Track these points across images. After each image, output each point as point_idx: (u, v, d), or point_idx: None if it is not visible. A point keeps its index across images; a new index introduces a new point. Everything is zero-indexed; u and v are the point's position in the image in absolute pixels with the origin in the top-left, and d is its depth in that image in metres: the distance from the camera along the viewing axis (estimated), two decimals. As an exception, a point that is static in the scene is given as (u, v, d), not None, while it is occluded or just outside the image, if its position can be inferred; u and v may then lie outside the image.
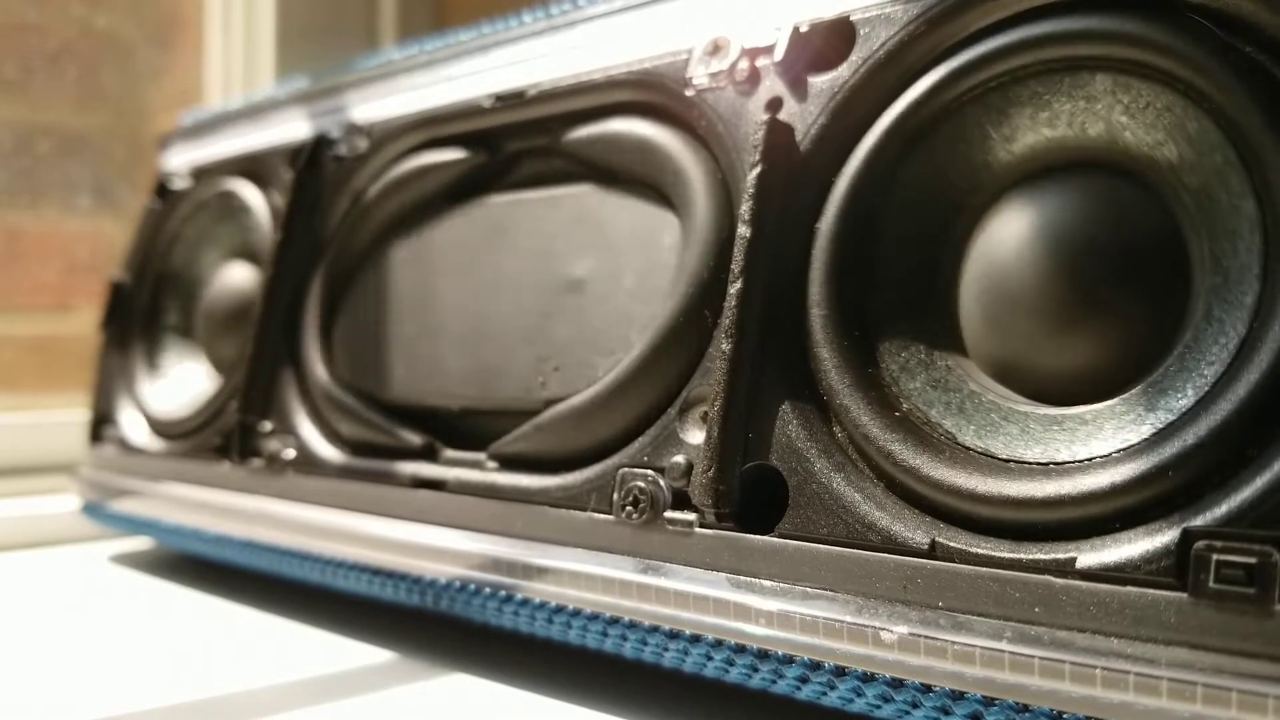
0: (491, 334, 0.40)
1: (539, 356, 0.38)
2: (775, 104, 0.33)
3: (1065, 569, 0.24)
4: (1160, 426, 0.25)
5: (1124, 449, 0.25)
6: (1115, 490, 0.24)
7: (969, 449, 0.28)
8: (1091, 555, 0.24)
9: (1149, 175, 0.27)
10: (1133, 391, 0.26)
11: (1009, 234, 0.29)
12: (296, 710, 0.34)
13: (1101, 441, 0.26)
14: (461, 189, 0.44)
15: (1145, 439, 0.25)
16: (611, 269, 0.37)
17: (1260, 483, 0.22)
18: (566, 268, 0.38)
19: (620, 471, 0.33)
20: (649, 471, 0.32)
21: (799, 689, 0.29)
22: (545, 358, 0.38)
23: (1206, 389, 0.24)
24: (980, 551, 0.26)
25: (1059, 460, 0.26)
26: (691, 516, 0.31)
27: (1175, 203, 0.27)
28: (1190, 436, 0.24)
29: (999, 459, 0.27)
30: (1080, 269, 0.27)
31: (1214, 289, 0.25)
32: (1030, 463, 0.26)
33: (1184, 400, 0.25)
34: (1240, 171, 0.25)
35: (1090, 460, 0.25)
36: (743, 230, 0.31)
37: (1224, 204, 0.25)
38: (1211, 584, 0.22)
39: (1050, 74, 0.28)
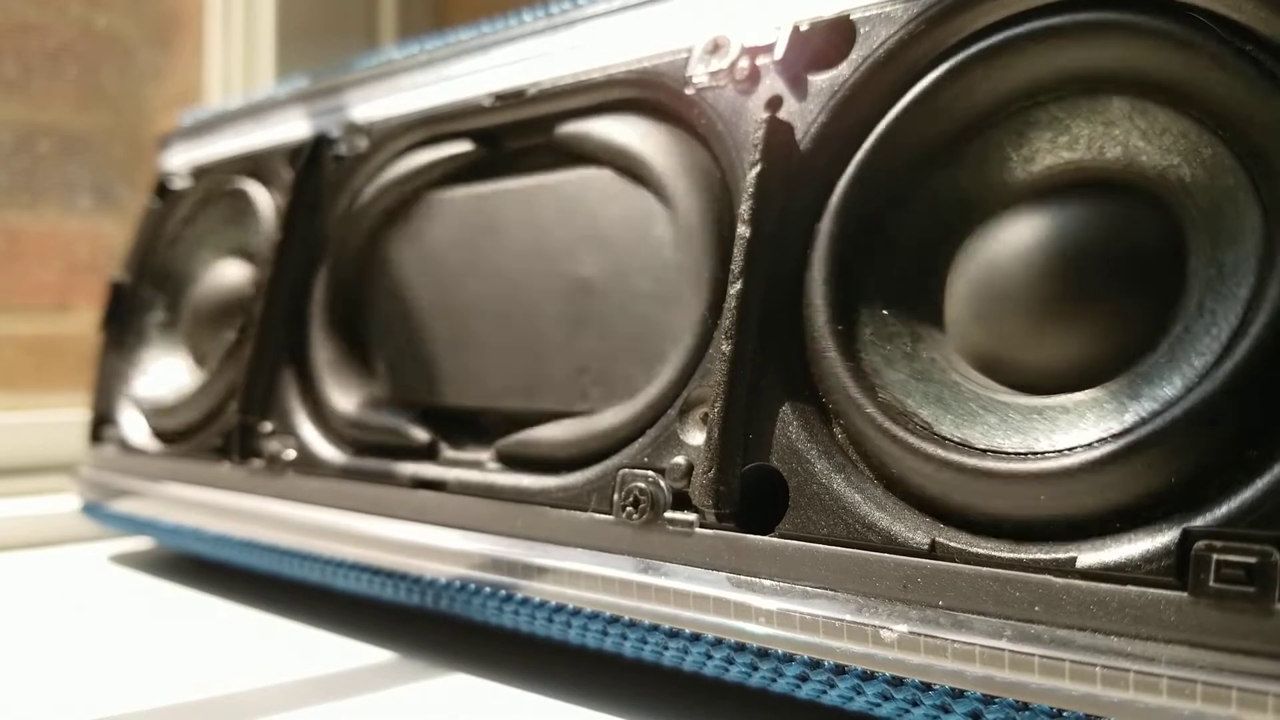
0: (526, 340, 0.40)
1: (578, 368, 0.38)
2: (775, 103, 0.33)
3: (1065, 568, 0.24)
4: (1144, 415, 0.25)
5: (1104, 437, 0.25)
6: (1090, 469, 0.24)
7: (945, 439, 0.28)
8: (1091, 555, 0.24)
9: (1157, 189, 0.27)
10: (1117, 381, 0.26)
11: (1001, 229, 0.29)
12: (296, 710, 0.34)
13: (1082, 430, 0.26)
14: (461, 187, 0.44)
15: (1126, 426, 0.25)
16: (624, 270, 0.37)
17: (1260, 483, 0.22)
18: (580, 268, 0.38)
19: (620, 472, 0.33)
20: (649, 472, 0.32)
21: (799, 687, 0.29)
22: (584, 369, 0.38)
23: (1195, 380, 0.24)
24: (980, 551, 0.26)
25: (1038, 450, 0.26)
26: (692, 517, 0.31)
27: (1178, 208, 0.26)
28: (1169, 417, 0.23)
29: (976, 448, 0.27)
30: (1073, 263, 0.27)
31: (1208, 282, 0.25)
32: (1008, 452, 0.26)
33: (1170, 390, 0.25)
34: (1247, 183, 0.25)
35: (1071, 449, 0.25)
36: (742, 230, 0.31)
37: (1229, 212, 0.25)
38: (1212, 583, 0.22)
39: (1069, 99, 0.28)
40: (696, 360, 0.33)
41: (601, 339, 0.37)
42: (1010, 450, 0.26)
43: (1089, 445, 0.25)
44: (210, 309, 0.56)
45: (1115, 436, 0.24)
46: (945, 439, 0.28)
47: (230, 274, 0.55)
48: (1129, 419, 0.25)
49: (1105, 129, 0.28)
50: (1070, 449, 0.25)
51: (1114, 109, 0.28)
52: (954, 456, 0.27)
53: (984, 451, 0.27)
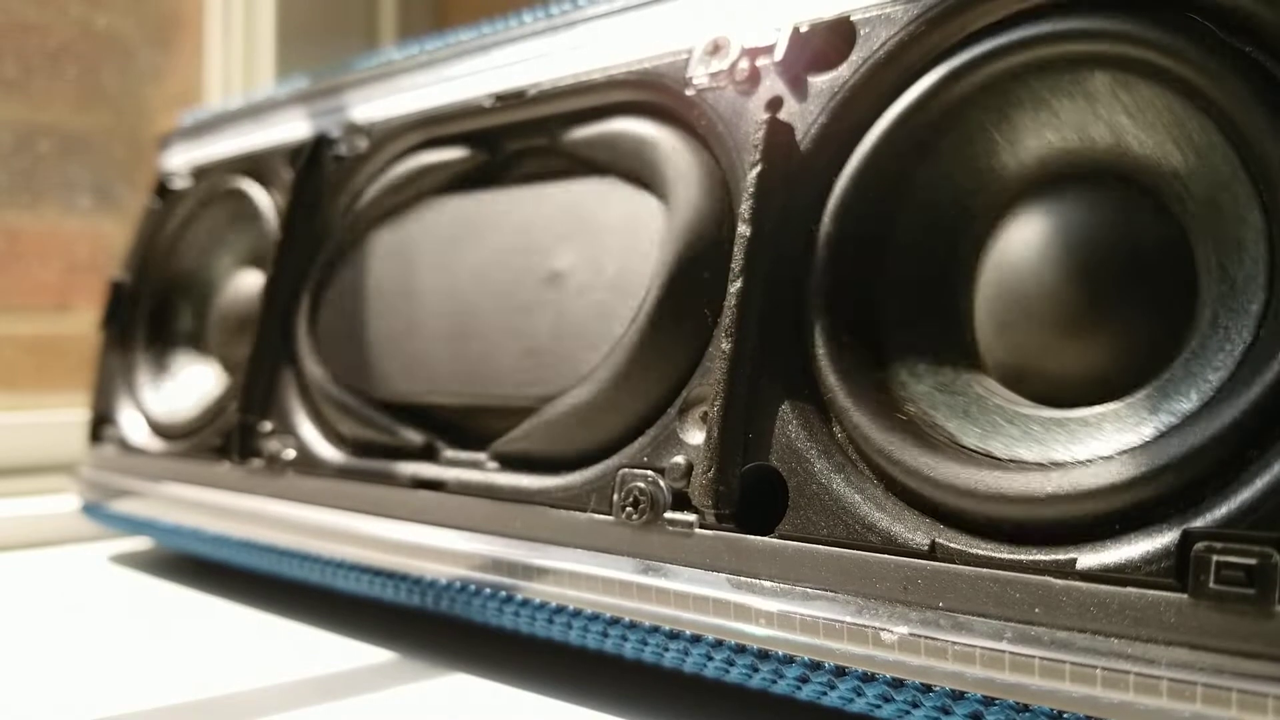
0: (479, 330, 0.40)
1: (525, 350, 0.38)
2: (775, 103, 0.33)
3: (1065, 570, 0.24)
4: (1162, 430, 0.25)
5: (1123, 450, 0.25)
6: (1112, 489, 0.24)
7: (969, 450, 0.28)
8: (1091, 556, 0.24)
9: (1155, 183, 0.27)
10: (1136, 396, 0.26)
11: (1020, 242, 0.29)
12: (296, 710, 0.34)
13: (1101, 443, 0.26)
14: (460, 188, 0.44)
15: (1145, 441, 0.25)
16: (604, 267, 0.37)
17: (1260, 484, 0.22)
18: (554, 263, 0.38)
19: (620, 472, 0.33)
20: (649, 472, 0.32)
21: (799, 689, 0.29)
22: (531, 352, 0.38)
23: (1211, 394, 0.24)
24: (980, 552, 0.26)
25: (1056, 460, 0.26)
26: (691, 517, 0.31)
27: (1182, 213, 0.27)
28: (1191, 439, 0.23)
29: (998, 459, 0.27)
30: (1089, 278, 0.27)
31: (1220, 297, 0.25)
32: (1028, 462, 0.26)
33: (1187, 405, 0.25)
34: (1246, 182, 0.25)
35: (1089, 460, 0.25)
36: (742, 230, 0.31)
37: (1230, 214, 0.25)
38: (1211, 585, 0.22)
39: (1049, 71, 0.28)
40: (696, 359, 0.33)
41: (567, 328, 0.37)
42: (1030, 460, 0.26)
43: (1107, 458, 0.25)
44: (234, 318, 0.55)
45: (1134, 451, 0.24)
46: (969, 450, 0.28)
47: (250, 283, 0.55)
48: (1147, 433, 0.25)
49: (1087, 104, 0.28)
50: (1088, 460, 0.25)
51: (1095, 82, 0.28)
52: (946, 473, 0.27)
53: (1004, 461, 0.27)
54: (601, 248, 0.37)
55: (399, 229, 0.45)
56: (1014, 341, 0.29)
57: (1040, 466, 0.26)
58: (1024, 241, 0.29)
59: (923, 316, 0.30)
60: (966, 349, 0.30)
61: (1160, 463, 0.24)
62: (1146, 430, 0.25)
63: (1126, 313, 0.27)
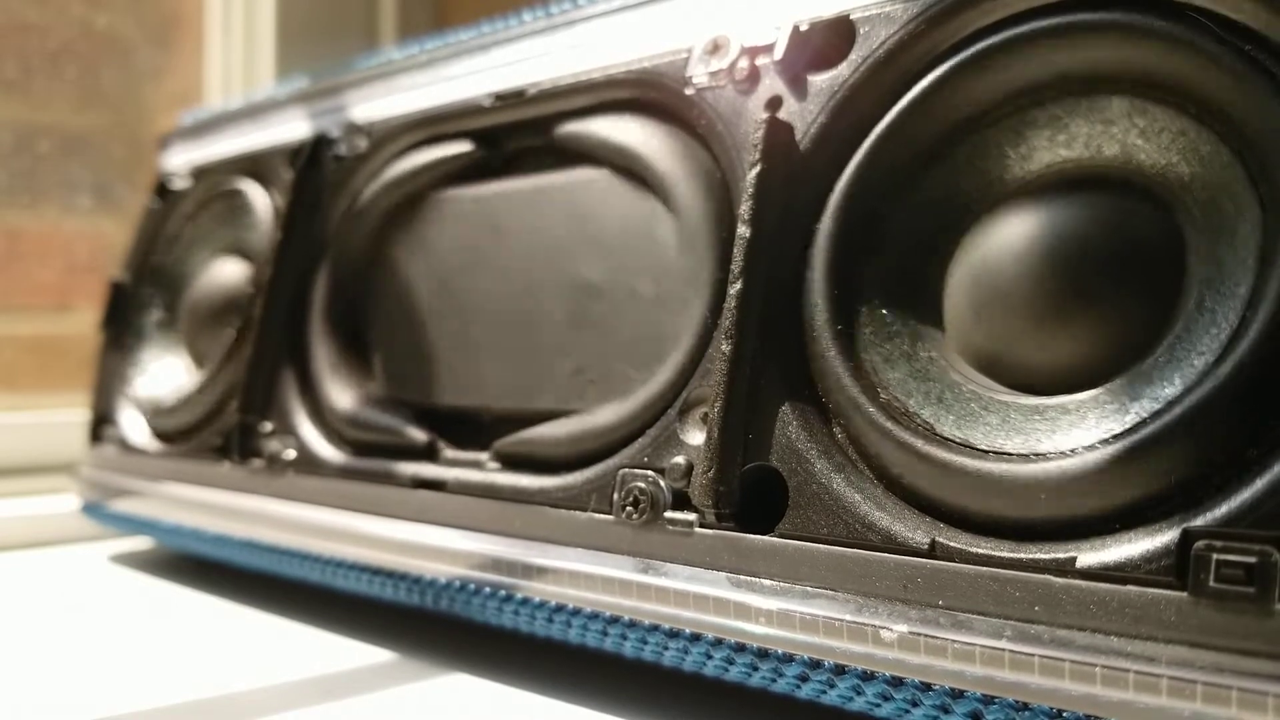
0: (523, 341, 0.40)
1: (575, 369, 0.38)
2: (775, 103, 0.33)
3: (1065, 568, 0.24)
4: (1144, 415, 0.25)
5: (1106, 438, 0.25)
6: (1096, 477, 0.24)
7: (947, 439, 0.28)
8: (1091, 555, 0.24)
9: (1155, 186, 0.27)
10: (1117, 381, 0.26)
11: (999, 227, 0.29)
12: (296, 710, 0.34)
13: (1084, 431, 0.26)
14: (461, 188, 0.44)
15: (1128, 427, 0.25)
16: (625, 271, 0.37)
17: (1260, 483, 0.22)
18: (580, 269, 0.38)
19: (620, 472, 0.33)
20: (649, 472, 0.32)
21: (799, 688, 0.29)
22: (581, 370, 0.38)
23: (1195, 379, 0.24)
24: (980, 551, 0.26)
25: (1040, 450, 0.26)
26: (692, 517, 0.31)
27: (1176, 204, 0.26)
28: (1170, 418, 0.23)
29: (978, 449, 0.27)
30: (1071, 260, 0.27)
31: (1207, 280, 0.25)
32: (1010, 453, 0.26)
33: (1170, 389, 0.25)
34: (1245, 178, 0.25)
35: (1073, 451, 0.25)
36: (742, 230, 0.31)
37: (1226, 207, 0.25)
38: (1211, 583, 0.22)
39: (1068, 97, 0.28)
40: (696, 360, 0.33)
41: (599, 339, 0.37)
42: (1012, 450, 0.26)
43: (1090, 446, 0.25)
44: (208, 308, 0.56)
45: (1117, 438, 0.24)
46: (947, 439, 0.28)
47: (228, 272, 0.55)
48: (1130, 419, 0.25)
49: (1104, 127, 0.28)
50: (1072, 450, 0.25)
51: (1113, 108, 0.28)
52: (956, 459, 0.27)
53: (986, 452, 0.27)
54: (624, 253, 0.37)
55: (414, 228, 0.45)
56: (990, 328, 0.28)
57: (1024, 457, 0.26)
58: (1007, 226, 0.29)
59: (899, 304, 0.30)
60: (941, 336, 0.30)
61: (1148, 448, 0.24)
62: (1129, 417, 0.25)
63: (1110, 296, 0.27)
